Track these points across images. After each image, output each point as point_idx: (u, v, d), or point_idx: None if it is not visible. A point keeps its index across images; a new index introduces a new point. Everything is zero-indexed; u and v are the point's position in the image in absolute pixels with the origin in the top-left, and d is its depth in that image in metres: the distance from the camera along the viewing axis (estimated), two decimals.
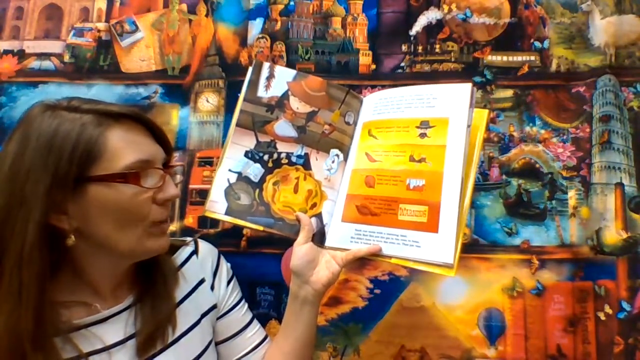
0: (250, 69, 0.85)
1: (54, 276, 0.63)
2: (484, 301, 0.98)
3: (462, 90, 0.76)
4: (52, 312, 0.62)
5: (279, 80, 0.85)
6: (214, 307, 0.79)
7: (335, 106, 0.85)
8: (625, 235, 0.97)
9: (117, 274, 0.69)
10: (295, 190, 0.82)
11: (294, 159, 0.83)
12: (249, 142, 0.83)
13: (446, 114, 0.76)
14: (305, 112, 0.84)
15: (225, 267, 0.84)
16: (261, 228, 0.80)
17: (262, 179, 0.82)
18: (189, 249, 0.81)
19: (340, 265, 0.77)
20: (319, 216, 0.82)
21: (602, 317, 0.96)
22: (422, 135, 0.77)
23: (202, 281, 0.79)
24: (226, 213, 0.80)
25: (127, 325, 0.68)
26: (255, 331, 0.84)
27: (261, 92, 0.84)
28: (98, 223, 0.62)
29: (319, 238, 0.80)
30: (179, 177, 0.73)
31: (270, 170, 0.83)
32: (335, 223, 0.81)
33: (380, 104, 0.83)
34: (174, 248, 0.78)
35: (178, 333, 0.72)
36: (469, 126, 0.75)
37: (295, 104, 0.84)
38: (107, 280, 0.68)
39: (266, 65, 0.85)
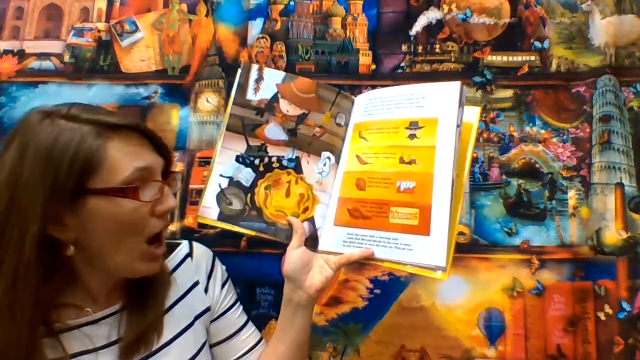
0: (238, 72, 0.84)
1: (49, 280, 0.62)
2: (484, 301, 0.98)
3: (451, 89, 0.75)
4: (46, 316, 0.62)
5: (268, 82, 0.83)
6: (208, 309, 0.79)
7: (326, 108, 0.84)
8: (625, 235, 0.97)
9: (112, 282, 0.70)
10: (287, 195, 0.82)
11: (285, 163, 0.82)
12: (240, 147, 0.82)
13: (435, 114, 0.74)
14: (295, 114, 0.83)
15: (220, 269, 0.84)
16: (254, 233, 0.80)
17: (254, 184, 0.82)
18: (183, 252, 0.81)
19: (334, 269, 0.76)
20: (311, 220, 0.81)
21: (602, 317, 0.96)
22: (412, 136, 0.76)
23: (196, 283, 0.79)
24: (219, 219, 0.80)
25: (115, 329, 0.68)
26: (250, 333, 0.84)
27: (250, 95, 0.83)
28: (95, 235, 0.62)
29: (311, 242, 0.80)
30: (179, 184, 0.73)
31: (262, 174, 0.82)
32: (328, 227, 0.80)
33: (370, 105, 0.82)
34: (169, 250, 0.78)
35: (171, 335, 0.72)
36: (458, 126, 0.73)
37: (285, 106, 0.83)
38: (102, 287, 0.69)
39: (254, 68, 0.84)
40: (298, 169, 0.83)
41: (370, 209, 0.75)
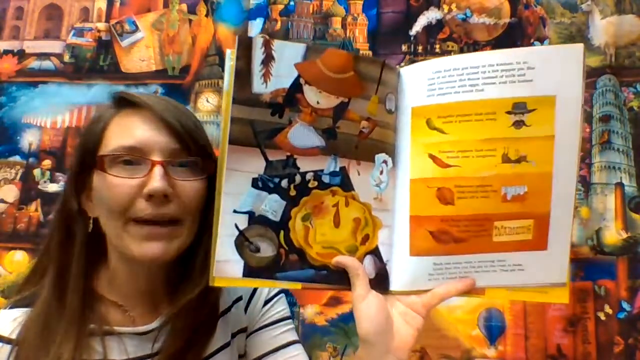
0: (229, 53, 0.56)
1: (95, 268, 0.65)
2: (484, 301, 0.98)
3: (571, 55, 0.54)
4: (92, 299, 0.63)
5: (282, 63, 0.56)
6: (245, 329, 0.74)
7: (371, 90, 0.58)
8: (625, 235, 0.97)
9: (139, 283, 0.66)
10: (336, 223, 0.59)
11: (326, 179, 0.58)
12: (255, 165, 0.56)
13: (551, 91, 0.55)
14: (330, 106, 0.58)
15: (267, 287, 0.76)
16: (299, 286, 0.58)
17: (286, 215, 0.57)
18: None
19: (424, 315, 0.59)
20: (375, 253, 0.59)
21: (602, 317, 0.96)
22: (518, 123, 0.56)
23: (239, 299, 0.73)
24: (245, 274, 0.56)
25: (155, 343, 0.65)
26: (293, 356, 0.71)
27: (258, 86, 0.55)
28: (96, 210, 0.62)
29: (380, 282, 0.58)
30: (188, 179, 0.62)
31: (295, 200, 0.57)
32: (401, 258, 0.59)
33: (439, 81, 0.57)
34: None
35: (207, 352, 0.68)
36: (582, 106, 0.56)
37: (313, 96, 0.57)
38: (132, 286, 0.65)
39: (259, 43, 0.55)
40: (346, 184, 0.58)
41: (466, 228, 0.57)
